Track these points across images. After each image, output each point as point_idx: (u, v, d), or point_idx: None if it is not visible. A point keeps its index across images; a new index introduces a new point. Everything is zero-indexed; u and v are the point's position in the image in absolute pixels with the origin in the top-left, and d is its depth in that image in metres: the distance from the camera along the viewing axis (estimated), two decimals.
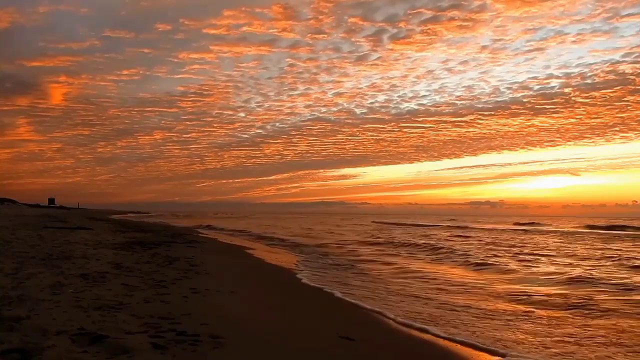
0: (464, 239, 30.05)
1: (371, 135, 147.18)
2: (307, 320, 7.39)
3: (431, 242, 26.11)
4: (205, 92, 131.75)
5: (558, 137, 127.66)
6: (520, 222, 67.83)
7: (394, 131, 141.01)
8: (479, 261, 16.85)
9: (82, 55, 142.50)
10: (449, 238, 31.04)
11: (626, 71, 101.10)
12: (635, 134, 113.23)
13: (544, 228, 49.63)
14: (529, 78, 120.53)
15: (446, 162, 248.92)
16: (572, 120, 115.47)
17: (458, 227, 48.77)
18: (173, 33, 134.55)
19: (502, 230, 45.55)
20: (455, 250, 20.91)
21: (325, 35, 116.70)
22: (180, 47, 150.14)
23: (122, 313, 5.97)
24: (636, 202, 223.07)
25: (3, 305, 5.91)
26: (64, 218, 44.66)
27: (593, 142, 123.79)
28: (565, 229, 46.96)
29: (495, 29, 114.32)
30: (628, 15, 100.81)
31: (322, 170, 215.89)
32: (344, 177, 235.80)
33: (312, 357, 5.27)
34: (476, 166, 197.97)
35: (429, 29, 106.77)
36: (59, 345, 4.47)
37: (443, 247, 22.08)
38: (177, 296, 7.55)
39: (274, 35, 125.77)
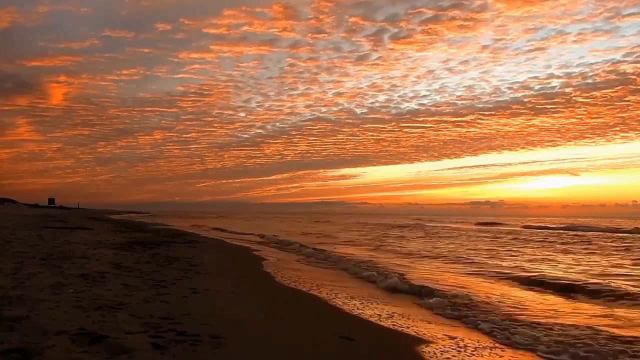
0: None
1: (371, 135, 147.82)
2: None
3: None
4: (205, 92, 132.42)
5: (558, 137, 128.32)
6: (482, 221, 71.39)
7: (394, 131, 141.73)
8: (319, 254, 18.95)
9: (82, 55, 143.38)
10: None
11: (627, 71, 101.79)
12: (636, 133, 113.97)
13: (487, 228, 52.34)
14: (529, 78, 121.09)
15: (446, 162, 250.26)
16: (573, 120, 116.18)
17: (405, 227, 50.75)
18: (173, 33, 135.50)
19: (442, 227, 49.12)
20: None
21: (326, 35, 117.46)
22: (180, 47, 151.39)
23: (122, 313, 5.97)
24: (636, 202, 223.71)
25: (3, 305, 5.91)
26: (64, 218, 44.67)
27: (593, 142, 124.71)
28: (502, 228, 49.79)
29: (496, 28, 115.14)
30: (629, 14, 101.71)
31: (322, 170, 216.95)
32: (344, 177, 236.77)
33: (311, 357, 5.28)
34: (476, 166, 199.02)
35: (430, 28, 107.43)
36: (59, 345, 4.47)
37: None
38: (177, 296, 7.54)
39: (274, 35, 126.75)
